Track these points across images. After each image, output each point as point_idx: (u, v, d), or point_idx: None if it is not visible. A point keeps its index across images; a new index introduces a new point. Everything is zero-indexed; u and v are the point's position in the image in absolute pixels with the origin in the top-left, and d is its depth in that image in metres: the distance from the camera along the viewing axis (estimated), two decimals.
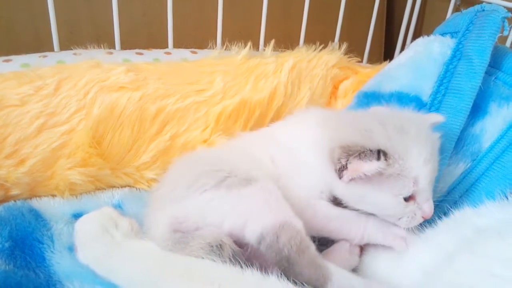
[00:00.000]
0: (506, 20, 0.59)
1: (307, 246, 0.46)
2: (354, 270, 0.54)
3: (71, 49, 0.71)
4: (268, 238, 0.46)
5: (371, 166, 0.47)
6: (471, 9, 0.65)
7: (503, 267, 0.39)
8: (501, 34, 0.60)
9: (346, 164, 0.48)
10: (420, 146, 0.50)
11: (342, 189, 0.52)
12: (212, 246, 0.46)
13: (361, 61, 0.97)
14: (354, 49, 0.89)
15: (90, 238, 0.53)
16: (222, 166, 0.52)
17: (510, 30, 0.59)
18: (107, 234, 0.53)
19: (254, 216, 0.48)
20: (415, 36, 0.85)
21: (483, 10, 0.62)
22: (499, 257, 0.41)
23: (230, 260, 0.46)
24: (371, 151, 0.48)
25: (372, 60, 0.96)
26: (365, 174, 0.48)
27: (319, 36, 0.87)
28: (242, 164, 0.53)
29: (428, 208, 0.52)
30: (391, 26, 1.13)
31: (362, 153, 0.48)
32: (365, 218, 0.53)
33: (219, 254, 0.46)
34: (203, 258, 0.46)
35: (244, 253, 0.47)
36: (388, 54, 1.15)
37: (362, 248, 0.55)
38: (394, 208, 0.51)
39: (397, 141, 0.50)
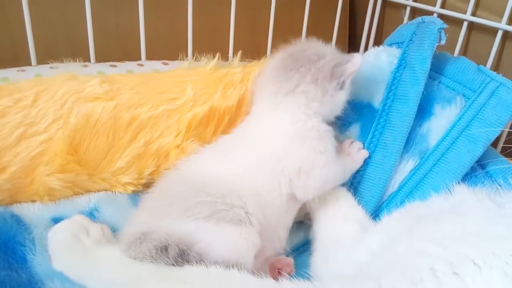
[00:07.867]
0: (443, 31, 0.65)
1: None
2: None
3: (48, 63, 0.73)
4: None
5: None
6: (414, 21, 0.70)
7: (434, 245, 0.44)
8: (439, 44, 0.65)
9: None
10: None
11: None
12: (157, 249, 0.49)
13: None
14: None
15: (62, 247, 0.55)
16: (225, 198, 0.56)
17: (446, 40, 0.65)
18: (78, 242, 0.55)
19: (219, 250, 0.52)
20: (377, 43, 0.90)
21: (424, 22, 0.67)
22: (431, 238, 0.45)
23: (176, 260, 0.49)
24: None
25: None
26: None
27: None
28: (247, 194, 0.57)
29: None
30: (354, 34, 1.19)
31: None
32: None
33: (164, 256, 0.49)
34: (150, 260, 0.49)
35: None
36: None
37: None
38: None
39: None
